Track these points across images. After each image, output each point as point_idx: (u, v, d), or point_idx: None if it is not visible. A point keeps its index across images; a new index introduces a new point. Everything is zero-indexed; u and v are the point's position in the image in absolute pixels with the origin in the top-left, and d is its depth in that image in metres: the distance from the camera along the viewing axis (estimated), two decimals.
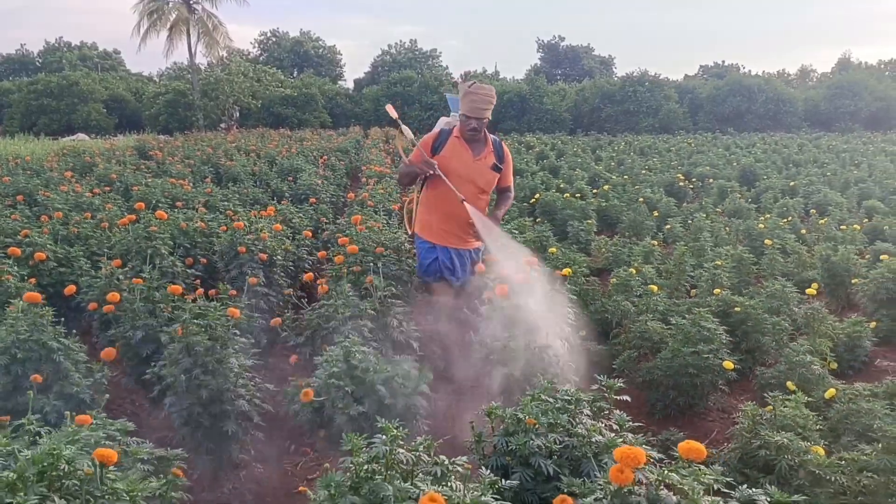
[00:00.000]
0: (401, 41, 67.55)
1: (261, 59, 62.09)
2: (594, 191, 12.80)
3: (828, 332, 5.06)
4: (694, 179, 15.21)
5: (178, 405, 3.56)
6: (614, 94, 44.69)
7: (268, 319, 5.02)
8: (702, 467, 2.14)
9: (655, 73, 46.58)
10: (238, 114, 42.45)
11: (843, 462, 3.13)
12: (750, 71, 55.60)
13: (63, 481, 1.93)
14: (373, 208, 7.65)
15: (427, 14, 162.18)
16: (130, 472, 2.14)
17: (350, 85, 58.17)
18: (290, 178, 12.13)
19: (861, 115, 43.43)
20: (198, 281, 5.67)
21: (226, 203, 8.97)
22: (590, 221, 9.31)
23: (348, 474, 1.92)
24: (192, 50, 40.00)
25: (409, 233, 5.25)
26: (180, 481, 2.27)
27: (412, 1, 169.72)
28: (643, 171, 16.29)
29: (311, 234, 6.81)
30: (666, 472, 2.04)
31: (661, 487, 2.03)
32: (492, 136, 4.87)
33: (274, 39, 66.54)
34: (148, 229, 5.71)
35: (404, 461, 1.95)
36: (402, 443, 2.00)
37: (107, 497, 1.88)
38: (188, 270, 5.75)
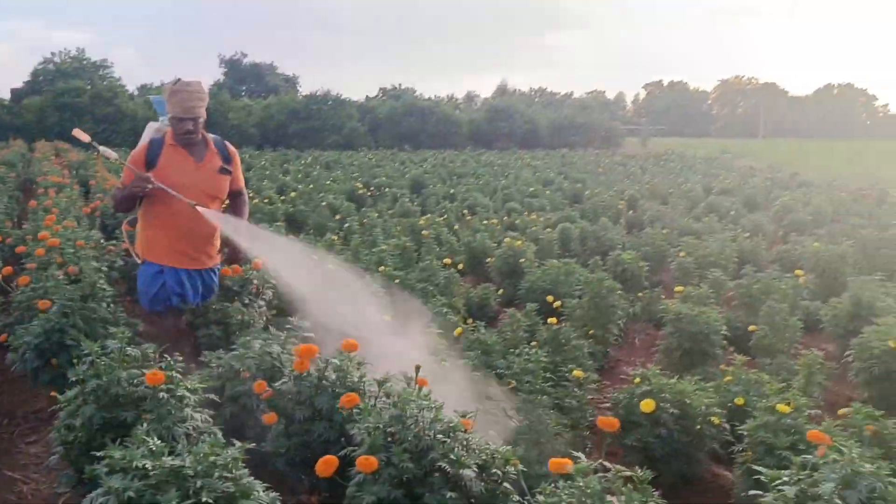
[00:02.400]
0: (66, 49, 61.72)
1: None
2: (282, 198, 13.72)
3: (462, 292, 6.59)
4: (372, 188, 16.87)
5: None
6: (300, 112, 46.06)
7: None
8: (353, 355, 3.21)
9: (338, 93, 48.95)
10: None
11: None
12: (422, 94, 60.83)
13: None
14: (60, 214, 7.75)
15: (93, 20, 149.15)
16: None
17: (6, 95, 51.86)
18: None
19: (515, 135, 49.99)
20: None
21: None
22: (279, 223, 10.22)
23: (92, 367, 2.65)
24: None
25: (140, 260, 4.47)
26: None
27: (75, 4, 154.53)
28: (328, 182, 17.60)
29: None
30: (329, 359, 3.07)
31: (330, 371, 3.04)
32: (212, 135, 4.40)
33: None
34: None
35: (135, 356, 2.73)
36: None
37: None
38: None
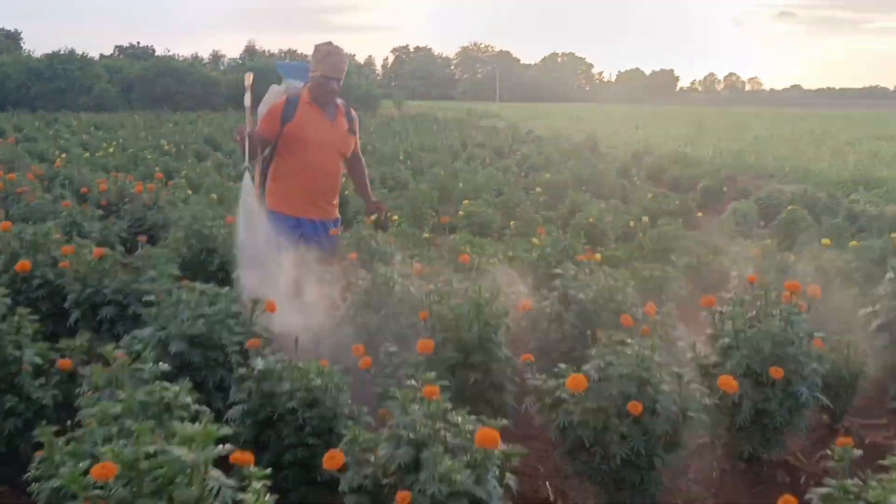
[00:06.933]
0: None
1: None
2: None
3: None
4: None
5: None
6: (43, 72, 43.37)
7: None
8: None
9: (85, 52, 46.63)
10: None
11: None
12: (172, 52, 59.18)
13: None
14: None
15: None
16: None
17: None
18: None
19: None
20: None
21: None
22: None
23: None
24: None
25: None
26: None
27: None
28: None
29: None
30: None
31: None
32: (339, 99, 4.58)
33: None
34: None
35: None
36: None
37: None
38: None
